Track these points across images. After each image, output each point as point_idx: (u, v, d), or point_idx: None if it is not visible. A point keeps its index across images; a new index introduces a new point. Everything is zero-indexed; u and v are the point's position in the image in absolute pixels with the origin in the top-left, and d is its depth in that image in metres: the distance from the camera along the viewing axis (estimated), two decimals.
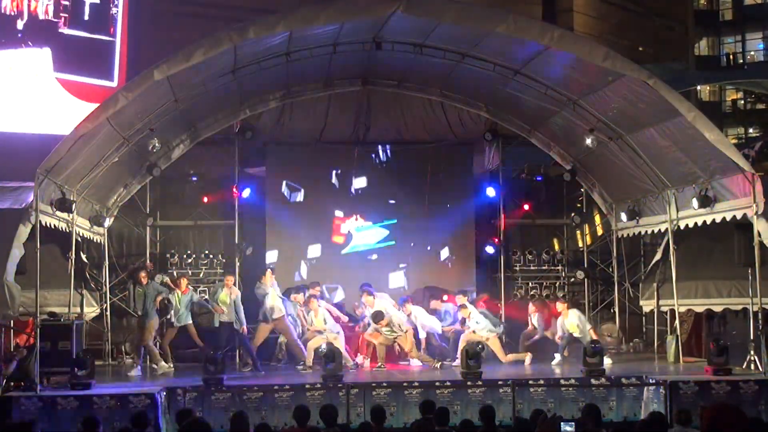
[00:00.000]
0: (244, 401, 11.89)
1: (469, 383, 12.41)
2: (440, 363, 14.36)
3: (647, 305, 16.66)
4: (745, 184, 12.68)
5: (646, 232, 16.13)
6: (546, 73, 14.27)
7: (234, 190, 16.31)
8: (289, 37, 13.18)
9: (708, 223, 13.88)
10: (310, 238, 16.91)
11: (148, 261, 16.14)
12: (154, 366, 13.95)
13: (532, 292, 17.26)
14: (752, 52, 40.36)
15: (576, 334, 14.68)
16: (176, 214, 16.72)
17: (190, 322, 14.63)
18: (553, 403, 12.37)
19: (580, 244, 17.77)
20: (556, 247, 17.72)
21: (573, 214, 17.32)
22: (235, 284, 14.90)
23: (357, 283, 15.70)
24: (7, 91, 19.45)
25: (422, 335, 14.98)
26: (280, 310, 14.38)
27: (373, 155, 17.14)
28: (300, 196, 16.96)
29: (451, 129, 17.15)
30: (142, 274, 14.55)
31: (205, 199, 16.56)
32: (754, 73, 35.39)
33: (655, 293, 16.19)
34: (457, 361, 14.04)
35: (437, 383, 12.50)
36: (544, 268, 17.36)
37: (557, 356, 14.71)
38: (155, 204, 16.48)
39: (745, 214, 12.89)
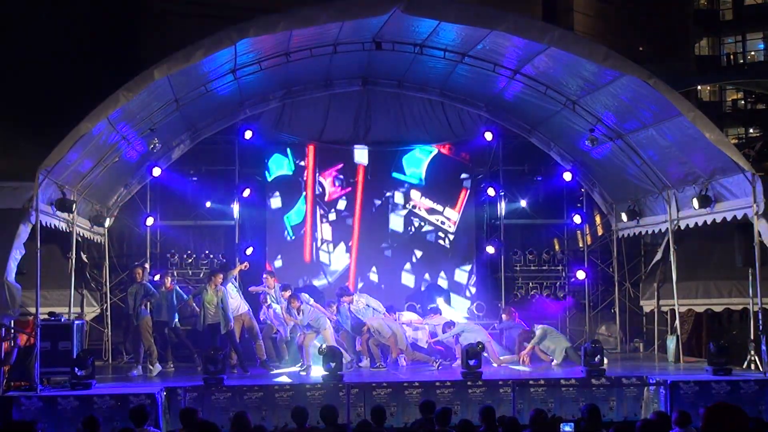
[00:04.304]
0: (244, 401, 11.90)
1: (469, 383, 12.41)
2: (438, 363, 14.34)
3: (647, 305, 16.67)
4: (745, 184, 12.68)
5: (647, 232, 16.13)
6: (546, 73, 14.28)
7: None
8: (290, 37, 13.19)
9: (708, 223, 13.89)
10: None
11: (147, 260, 16.14)
12: (150, 367, 13.93)
13: (533, 292, 17.24)
14: (752, 52, 40.30)
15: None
16: (176, 214, 16.69)
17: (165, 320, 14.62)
18: (553, 403, 12.37)
19: (581, 244, 17.76)
20: (557, 247, 17.70)
21: (573, 214, 17.29)
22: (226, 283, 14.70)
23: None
24: None
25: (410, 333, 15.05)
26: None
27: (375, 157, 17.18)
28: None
29: (451, 129, 17.15)
30: (139, 270, 14.53)
31: (208, 204, 16.50)
32: (754, 73, 35.33)
33: (656, 293, 16.21)
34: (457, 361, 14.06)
35: (437, 383, 12.51)
36: (544, 268, 17.33)
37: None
38: (155, 204, 16.47)
39: (745, 214, 12.90)
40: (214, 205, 16.50)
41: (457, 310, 16.52)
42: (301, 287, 16.14)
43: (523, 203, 17.21)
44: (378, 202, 17.16)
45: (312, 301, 14.49)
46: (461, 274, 17.22)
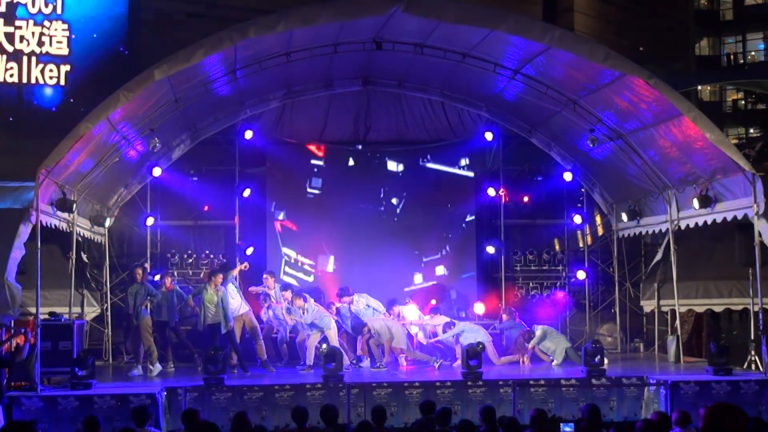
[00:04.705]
0: (245, 401, 11.91)
1: (469, 383, 12.41)
2: (439, 363, 14.34)
3: (648, 305, 16.68)
4: (745, 184, 12.68)
5: (647, 232, 16.13)
6: (546, 73, 14.28)
7: None
8: (290, 37, 13.19)
9: (708, 223, 13.89)
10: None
11: (148, 260, 16.15)
12: (150, 367, 13.93)
13: (533, 292, 17.24)
14: (753, 53, 40.33)
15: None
16: (176, 214, 16.70)
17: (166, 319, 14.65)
18: (553, 403, 12.37)
19: (581, 244, 17.76)
20: (557, 247, 17.70)
21: (574, 214, 17.29)
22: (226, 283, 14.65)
23: (357, 284, 15.73)
24: None
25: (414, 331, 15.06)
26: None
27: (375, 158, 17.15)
28: (282, 215, 16.93)
29: (451, 129, 17.16)
30: (139, 270, 14.54)
31: (205, 208, 16.48)
32: (754, 73, 35.36)
33: (656, 293, 16.21)
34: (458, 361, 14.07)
35: (438, 383, 12.51)
36: (544, 268, 17.33)
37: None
38: (155, 204, 16.48)
39: (745, 215, 12.90)
40: (213, 207, 16.50)
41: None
42: (303, 288, 16.12)
43: (526, 199, 17.14)
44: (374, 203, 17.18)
45: (312, 302, 14.50)
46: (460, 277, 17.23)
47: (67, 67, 18.25)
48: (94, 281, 15.78)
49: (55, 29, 18.25)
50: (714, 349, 12.95)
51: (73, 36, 18.28)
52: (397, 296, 15.91)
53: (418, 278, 17.05)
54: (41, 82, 18.16)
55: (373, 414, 9.53)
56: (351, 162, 17.12)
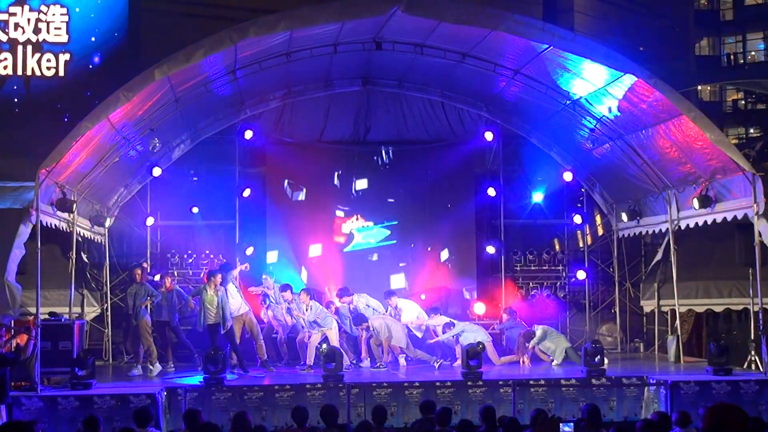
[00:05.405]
0: (245, 401, 11.90)
1: (469, 383, 12.41)
2: (439, 363, 14.34)
3: (648, 305, 16.69)
4: (745, 184, 12.68)
5: (647, 232, 16.13)
6: (546, 73, 14.28)
7: None
8: (290, 37, 13.19)
9: (708, 223, 13.89)
10: (310, 238, 16.92)
11: (147, 260, 16.14)
12: (150, 367, 13.92)
13: (533, 293, 17.23)
14: (753, 53, 40.28)
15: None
16: (176, 214, 16.68)
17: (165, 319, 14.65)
18: (553, 403, 12.37)
19: (581, 244, 17.76)
20: (557, 247, 17.70)
21: (574, 214, 17.28)
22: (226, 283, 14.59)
23: (357, 283, 15.72)
24: None
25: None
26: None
27: (375, 156, 17.11)
28: (302, 195, 16.95)
29: (451, 129, 17.15)
30: (138, 270, 14.53)
31: (195, 209, 16.40)
32: (754, 73, 35.35)
33: (656, 293, 16.23)
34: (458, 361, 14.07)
35: (438, 383, 12.51)
36: (544, 268, 17.33)
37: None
38: (155, 204, 16.47)
39: (745, 214, 12.90)
40: (213, 207, 16.49)
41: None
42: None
43: (540, 195, 17.03)
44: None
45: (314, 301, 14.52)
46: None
47: (67, 56, 17.35)
48: (94, 281, 15.79)
49: (53, 14, 17.32)
50: (714, 349, 12.95)
51: (71, 25, 17.44)
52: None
53: (416, 278, 17.04)
54: (37, 73, 17.20)
55: (373, 414, 9.54)
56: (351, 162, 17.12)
